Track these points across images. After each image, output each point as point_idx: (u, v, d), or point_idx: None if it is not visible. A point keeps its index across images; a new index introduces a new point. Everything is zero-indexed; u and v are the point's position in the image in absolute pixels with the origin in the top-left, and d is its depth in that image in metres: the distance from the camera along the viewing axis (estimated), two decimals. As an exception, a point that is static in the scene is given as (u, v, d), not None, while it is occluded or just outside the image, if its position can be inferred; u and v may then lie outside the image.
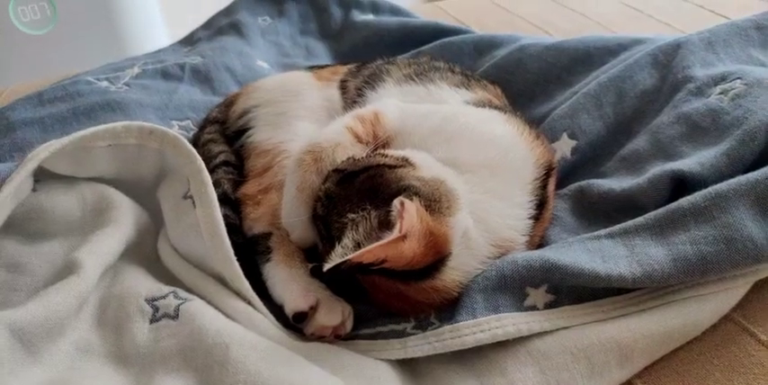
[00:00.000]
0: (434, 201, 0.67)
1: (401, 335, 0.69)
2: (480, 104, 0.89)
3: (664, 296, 0.67)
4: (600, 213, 0.81)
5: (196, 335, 0.63)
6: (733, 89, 0.81)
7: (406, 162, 0.72)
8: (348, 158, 0.75)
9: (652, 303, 0.67)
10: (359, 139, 0.79)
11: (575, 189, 0.85)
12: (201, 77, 1.19)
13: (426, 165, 0.72)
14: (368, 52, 1.30)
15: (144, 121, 1.03)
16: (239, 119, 1.00)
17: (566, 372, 0.63)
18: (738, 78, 0.82)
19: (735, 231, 0.66)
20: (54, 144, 0.70)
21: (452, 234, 0.67)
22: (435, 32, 1.30)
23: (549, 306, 0.68)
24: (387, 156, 0.73)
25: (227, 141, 0.99)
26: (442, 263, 0.67)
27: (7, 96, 1.33)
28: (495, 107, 0.89)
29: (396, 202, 0.64)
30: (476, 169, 0.75)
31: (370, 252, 0.60)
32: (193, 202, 0.73)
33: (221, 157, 0.94)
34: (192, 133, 1.07)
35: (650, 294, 0.68)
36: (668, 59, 0.93)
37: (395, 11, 1.43)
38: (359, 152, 0.78)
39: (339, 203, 0.70)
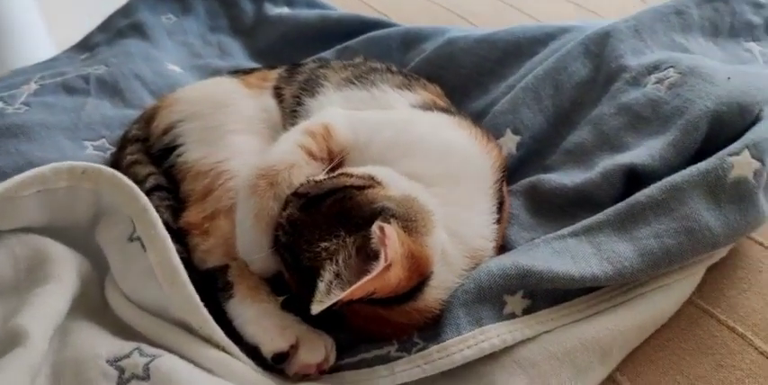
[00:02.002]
0: (411, 221, 0.65)
1: (386, 360, 0.66)
2: (427, 107, 0.86)
3: (633, 289, 0.70)
4: (555, 209, 0.81)
5: (175, 395, 0.57)
6: (668, 78, 0.83)
7: (372, 180, 0.69)
8: (308, 180, 0.70)
9: (622, 298, 0.69)
10: (313, 157, 0.75)
11: (526, 185, 0.85)
12: (109, 89, 1.07)
13: (394, 183, 0.69)
14: (287, 49, 1.23)
15: (51, 145, 0.93)
16: (163, 135, 0.91)
17: (554, 378, 0.64)
18: (671, 67, 0.84)
19: (693, 222, 0.68)
20: (-29, 198, 0.60)
21: (432, 254, 0.65)
22: (358, 26, 1.24)
23: (526, 311, 0.69)
24: (352, 176, 0.69)
25: (153, 161, 0.90)
26: (424, 283, 0.65)
27: None
28: (442, 109, 0.87)
29: (375, 229, 0.61)
30: (440, 181, 0.73)
31: (361, 288, 0.57)
32: (142, 245, 0.66)
33: (152, 181, 0.86)
34: (108, 153, 0.97)
35: (619, 289, 0.70)
36: (599, 49, 0.94)
37: (311, 3, 1.35)
38: (315, 171, 0.73)
39: (306, 230, 0.66)
